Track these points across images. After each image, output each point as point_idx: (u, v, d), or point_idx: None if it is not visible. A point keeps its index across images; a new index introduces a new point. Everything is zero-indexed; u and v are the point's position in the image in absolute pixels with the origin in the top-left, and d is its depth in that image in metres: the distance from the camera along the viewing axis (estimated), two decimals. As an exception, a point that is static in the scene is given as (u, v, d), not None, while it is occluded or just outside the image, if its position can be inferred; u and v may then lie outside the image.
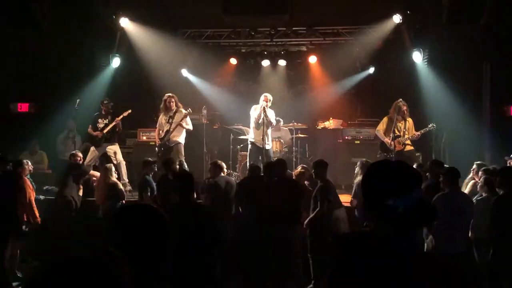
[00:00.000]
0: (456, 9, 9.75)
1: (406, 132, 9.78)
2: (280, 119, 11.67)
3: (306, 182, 8.11)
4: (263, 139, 10.05)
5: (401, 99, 9.90)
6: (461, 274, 2.00)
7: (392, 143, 9.70)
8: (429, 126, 9.63)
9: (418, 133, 9.68)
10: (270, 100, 10.17)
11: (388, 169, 2.11)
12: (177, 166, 8.74)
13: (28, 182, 7.73)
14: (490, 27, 10.26)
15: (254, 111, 10.28)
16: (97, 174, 9.45)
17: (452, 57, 11.09)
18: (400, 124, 9.82)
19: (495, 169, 6.84)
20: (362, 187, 2.15)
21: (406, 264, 1.95)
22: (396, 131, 9.81)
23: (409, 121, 9.90)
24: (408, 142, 9.80)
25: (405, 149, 9.75)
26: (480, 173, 7.14)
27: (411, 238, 2.04)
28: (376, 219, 2.06)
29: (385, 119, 10.00)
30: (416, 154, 10.15)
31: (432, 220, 2.06)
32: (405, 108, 9.80)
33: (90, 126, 10.55)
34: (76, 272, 1.51)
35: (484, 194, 6.55)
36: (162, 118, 10.37)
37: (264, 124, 10.01)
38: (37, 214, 7.60)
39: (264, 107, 9.99)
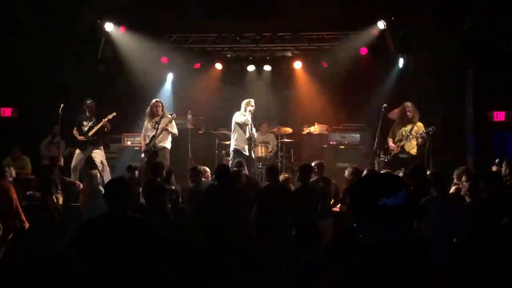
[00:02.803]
0: (440, 17, 9.86)
1: (410, 136, 9.74)
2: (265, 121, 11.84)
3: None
4: (248, 145, 10.16)
5: (408, 102, 9.90)
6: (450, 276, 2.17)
7: (394, 146, 9.71)
8: (430, 128, 9.66)
9: (422, 132, 9.65)
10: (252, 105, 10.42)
11: (374, 176, 2.60)
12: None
13: (13, 188, 7.63)
14: (473, 34, 10.38)
15: (240, 117, 10.34)
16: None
17: (436, 64, 11.20)
18: (406, 128, 9.80)
19: (478, 174, 6.90)
20: (354, 191, 2.40)
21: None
22: (400, 135, 9.82)
23: (418, 124, 9.84)
24: (414, 147, 9.79)
25: (408, 151, 9.76)
26: (463, 178, 7.19)
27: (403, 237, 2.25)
28: (367, 219, 2.27)
29: (393, 125, 10.01)
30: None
31: (419, 216, 2.34)
32: (408, 110, 9.76)
33: (75, 128, 10.47)
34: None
35: (468, 200, 6.60)
36: (148, 124, 10.36)
37: (250, 130, 10.15)
38: (24, 219, 7.50)
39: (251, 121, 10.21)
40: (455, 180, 7.68)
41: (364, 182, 2.41)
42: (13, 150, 10.69)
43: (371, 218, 2.26)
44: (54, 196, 8.53)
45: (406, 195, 2.26)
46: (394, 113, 10.02)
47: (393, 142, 9.87)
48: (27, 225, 7.52)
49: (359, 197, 2.33)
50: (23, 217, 7.49)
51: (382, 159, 9.81)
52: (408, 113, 9.76)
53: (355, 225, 2.36)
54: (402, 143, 9.69)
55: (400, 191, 2.25)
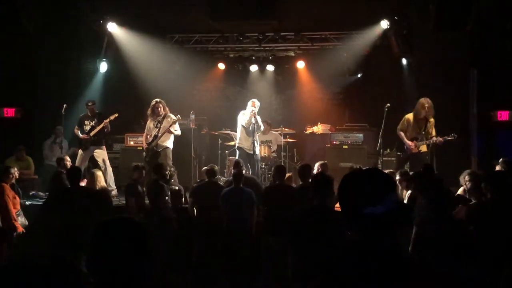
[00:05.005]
0: (443, 16, 9.82)
1: (425, 134, 9.57)
2: (269, 122, 11.76)
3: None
4: (252, 144, 10.10)
5: (424, 98, 9.60)
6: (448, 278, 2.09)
7: (411, 143, 9.63)
8: (451, 135, 9.44)
9: (442, 139, 9.42)
10: (257, 106, 10.27)
11: (360, 178, 2.24)
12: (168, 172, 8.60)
13: (8, 189, 7.53)
14: (477, 33, 10.35)
15: (243, 116, 10.31)
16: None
17: (439, 63, 11.17)
18: (421, 124, 9.60)
19: (482, 174, 6.84)
20: (338, 198, 2.27)
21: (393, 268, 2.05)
22: (415, 133, 9.65)
23: (431, 121, 9.63)
24: (425, 145, 9.63)
25: (420, 151, 9.61)
26: (467, 178, 7.12)
27: (392, 243, 2.15)
28: (357, 226, 2.17)
29: (405, 118, 9.74)
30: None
31: (407, 221, 2.20)
32: (427, 106, 9.46)
33: (76, 126, 10.45)
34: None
35: (473, 200, 6.53)
36: (150, 123, 10.34)
37: (254, 130, 10.07)
38: (15, 223, 7.38)
39: (255, 112, 10.07)
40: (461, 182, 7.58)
41: (347, 189, 2.23)
42: (17, 151, 10.68)
43: (358, 226, 2.15)
44: None
45: (393, 198, 2.13)
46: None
47: (408, 139, 9.68)
48: (19, 229, 7.40)
49: (343, 205, 2.21)
50: (13, 222, 7.34)
51: (385, 159, 9.74)
52: (425, 110, 9.56)
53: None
54: (420, 143, 9.59)
55: (386, 195, 2.12)
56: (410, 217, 2.13)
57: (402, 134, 9.71)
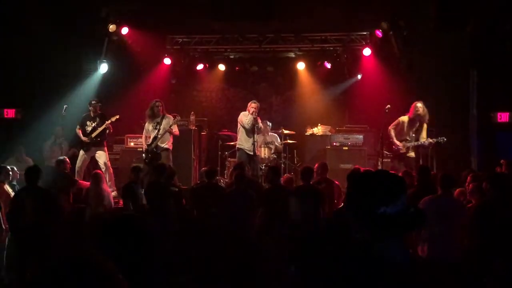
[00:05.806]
0: (443, 17, 9.83)
1: (416, 136, 9.61)
2: (269, 123, 11.76)
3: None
4: (252, 145, 10.11)
5: (419, 102, 9.68)
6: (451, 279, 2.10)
7: (399, 144, 9.65)
8: (440, 138, 9.51)
9: (431, 140, 9.49)
10: (257, 107, 10.29)
11: (375, 179, 2.26)
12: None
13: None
14: (477, 34, 10.35)
15: (243, 118, 10.31)
16: (86, 183, 9.33)
17: (439, 64, 11.17)
18: (414, 127, 9.65)
19: (483, 175, 6.85)
20: (350, 197, 2.37)
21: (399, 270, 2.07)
22: (407, 135, 9.70)
23: (424, 126, 9.69)
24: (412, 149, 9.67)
25: (407, 154, 9.64)
26: (468, 179, 7.13)
27: (401, 244, 2.18)
28: (368, 227, 2.16)
29: (399, 119, 9.80)
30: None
31: (422, 225, 2.20)
32: (419, 111, 9.56)
33: (78, 127, 10.42)
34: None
35: (473, 201, 6.54)
36: (149, 125, 10.33)
37: (254, 131, 10.08)
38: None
39: (255, 113, 10.08)
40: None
41: (362, 189, 2.25)
42: (17, 152, 10.67)
43: (370, 226, 2.15)
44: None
45: (405, 200, 2.16)
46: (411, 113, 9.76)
47: (398, 140, 9.71)
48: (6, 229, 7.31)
49: (357, 204, 2.23)
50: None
51: (386, 160, 9.74)
52: (418, 114, 9.60)
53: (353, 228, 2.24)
54: (409, 144, 9.60)
55: (399, 197, 2.15)
56: (422, 218, 2.16)
57: (393, 134, 9.73)
